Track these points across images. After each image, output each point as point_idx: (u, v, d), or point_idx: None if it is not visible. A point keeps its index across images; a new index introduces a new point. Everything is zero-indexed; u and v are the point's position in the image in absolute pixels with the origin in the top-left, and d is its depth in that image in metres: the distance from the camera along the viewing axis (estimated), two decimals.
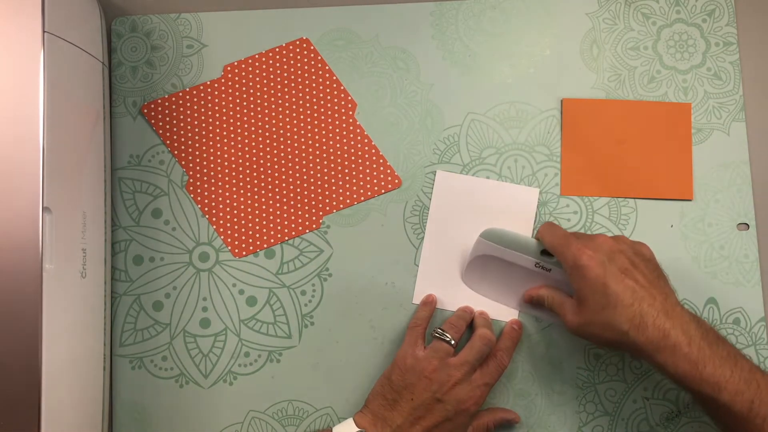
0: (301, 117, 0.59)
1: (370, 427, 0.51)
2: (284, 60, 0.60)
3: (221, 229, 0.58)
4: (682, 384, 0.45)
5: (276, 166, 0.59)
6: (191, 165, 0.59)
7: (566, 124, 0.59)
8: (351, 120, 0.59)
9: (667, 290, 0.48)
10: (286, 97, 0.60)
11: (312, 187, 0.59)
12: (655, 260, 0.50)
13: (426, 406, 0.50)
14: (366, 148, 0.59)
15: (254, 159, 0.59)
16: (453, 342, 0.53)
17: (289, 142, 0.59)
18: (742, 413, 0.43)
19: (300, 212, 0.59)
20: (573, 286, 0.49)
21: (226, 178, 0.59)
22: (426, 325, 0.55)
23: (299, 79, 0.60)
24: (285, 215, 0.59)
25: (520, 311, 0.57)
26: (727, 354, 0.45)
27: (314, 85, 0.60)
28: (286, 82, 0.60)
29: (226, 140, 0.59)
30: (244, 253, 0.58)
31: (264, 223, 0.58)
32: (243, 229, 0.58)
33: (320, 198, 0.59)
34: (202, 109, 0.60)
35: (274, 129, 0.59)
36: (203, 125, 0.59)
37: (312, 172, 0.59)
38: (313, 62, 0.60)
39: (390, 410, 0.51)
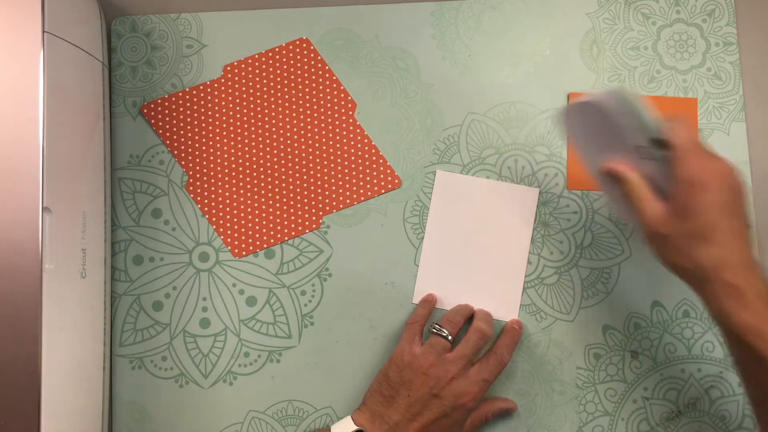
0: (301, 117, 0.59)
1: (368, 424, 0.51)
2: (284, 60, 0.60)
3: (221, 229, 0.58)
4: (741, 338, 0.43)
5: (276, 166, 0.59)
6: (191, 165, 0.59)
7: None
8: (351, 120, 0.59)
9: (749, 244, 0.45)
10: (286, 97, 0.60)
11: (312, 187, 0.59)
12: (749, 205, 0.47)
13: (423, 402, 0.50)
14: (366, 148, 0.59)
15: (254, 159, 0.59)
16: (450, 337, 0.52)
17: (289, 142, 0.59)
18: None
19: (300, 212, 0.59)
20: (677, 195, 0.45)
21: (226, 178, 0.59)
22: (424, 322, 0.55)
23: (299, 79, 0.60)
24: (285, 215, 0.59)
25: (596, 178, 0.51)
26: None
27: (314, 85, 0.60)
28: (286, 82, 0.60)
29: (226, 140, 0.59)
30: (244, 253, 0.58)
31: (264, 223, 0.58)
32: (243, 229, 0.58)
33: (320, 198, 0.59)
34: (202, 109, 0.60)
35: (274, 129, 0.59)
36: (203, 125, 0.59)
37: (312, 172, 0.59)
38: (313, 62, 0.60)
39: (387, 407, 0.51)
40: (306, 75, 0.60)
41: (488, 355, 0.53)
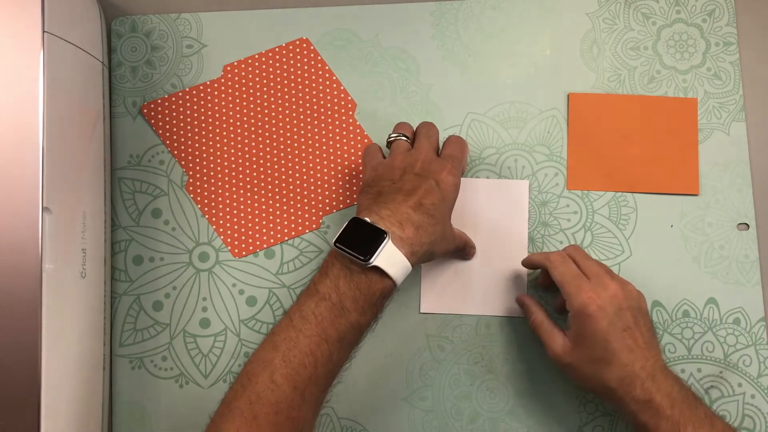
0: (301, 117, 0.59)
1: (366, 213, 0.47)
2: (284, 60, 0.60)
3: (221, 229, 0.58)
4: None
5: (276, 166, 0.59)
6: (191, 165, 0.59)
7: (572, 118, 0.59)
8: (351, 120, 0.59)
9: (657, 350, 0.49)
10: (286, 97, 0.60)
11: (312, 187, 0.59)
12: (649, 315, 0.50)
13: (409, 182, 0.48)
14: None
15: (254, 159, 0.59)
16: (408, 138, 0.53)
17: (289, 142, 0.59)
18: None
19: (300, 212, 0.59)
20: (571, 327, 0.48)
21: (226, 178, 0.59)
22: (380, 148, 0.55)
23: (299, 79, 0.60)
24: (285, 215, 0.59)
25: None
26: (704, 415, 0.46)
27: (314, 85, 0.60)
28: (286, 82, 0.60)
29: (226, 140, 0.59)
30: (244, 253, 0.58)
31: (264, 223, 0.58)
32: (243, 229, 0.58)
33: (320, 198, 0.59)
34: (202, 109, 0.60)
35: (274, 129, 0.59)
36: (203, 125, 0.59)
37: (312, 172, 0.59)
38: (313, 62, 0.60)
39: (378, 198, 0.48)
40: (306, 75, 0.60)
41: (447, 138, 0.53)
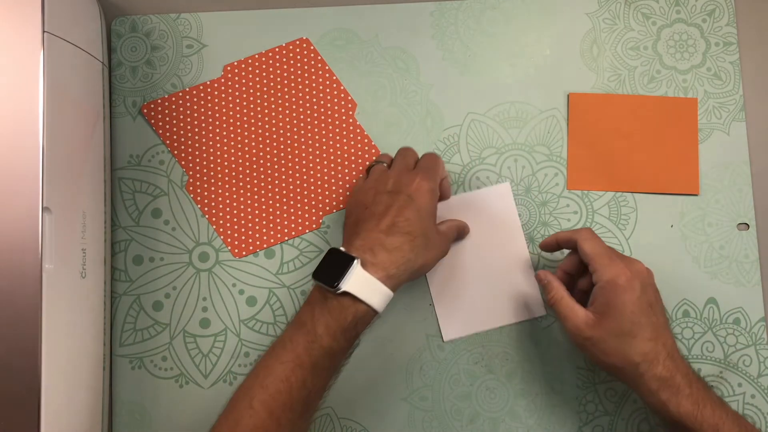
0: (301, 117, 0.59)
1: (343, 244, 0.49)
2: (284, 60, 0.60)
3: (221, 229, 0.58)
4: (681, 424, 0.46)
5: (276, 166, 0.59)
6: (191, 165, 0.59)
7: (572, 118, 0.59)
8: (351, 120, 0.59)
9: (671, 331, 0.49)
10: (286, 97, 0.60)
11: (312, 187, 0.59)
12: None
13: (381, 203, 0.50)
14: (366, 148, 0.59)
15: (254, 159, 0.59)
16: (385, 164, 0.54)
17: (289, 142, 0.59)
18: None
19: (300, 212, 0.59)
20: (598, 300, 0.48)
21: (226, 178, 0.59)
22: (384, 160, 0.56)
23: (299, 79, 0.60)
24: (285, 215, 0.59)
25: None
26: (718, 399, 0.47)
27: (314, 85, 0.60)
28: (286, 82, 0.60)
29: (226, 140, 0.59)
30: (244, 253, 0.58)
31: (264, 223, 0.58)
32: (243, 229, 0.58)
33: (320, 198, 0.59)
34: (202, 109, 0.60)
35: (274, 129, 0.59)
36: (203, 125, 0.59)
37: (312, 172, 0.59)
38: (313, 62, 0.60)
39: (356, 228, 0.50)
40: (306, 75, 0.60)
41: (422, 156, 0.54)
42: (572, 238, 0.51)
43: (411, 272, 0.49)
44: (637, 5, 0.60)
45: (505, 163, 0.59)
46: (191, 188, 0.59)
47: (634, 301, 0.47)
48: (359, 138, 0.59)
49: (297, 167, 0.59)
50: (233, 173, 0.59)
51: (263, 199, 0.59)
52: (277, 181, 0.59)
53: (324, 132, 0.59)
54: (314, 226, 0.58)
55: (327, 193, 0.59)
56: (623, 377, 0.48)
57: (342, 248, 0.48)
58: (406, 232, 0.48)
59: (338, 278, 0.46)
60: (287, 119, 0.59)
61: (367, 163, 0.56)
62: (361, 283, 0.46)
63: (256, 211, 0.59)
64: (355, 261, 0.46)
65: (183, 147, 0.59)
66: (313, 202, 0.59)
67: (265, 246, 0.58)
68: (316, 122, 0.59)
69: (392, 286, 0.47)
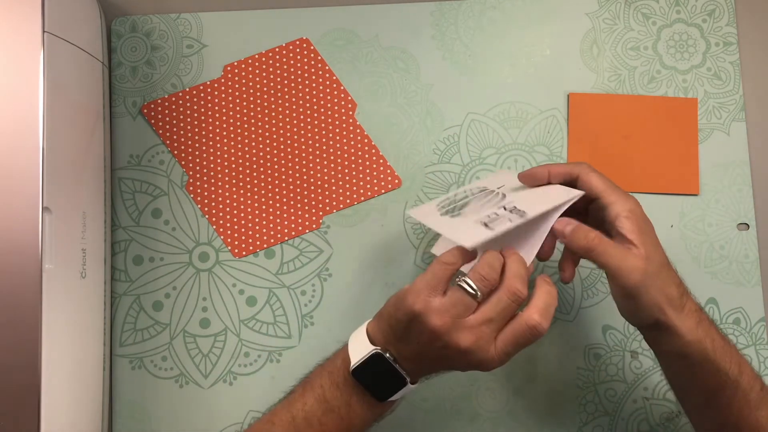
0: (301, 117, 0.59)
1: (382, 345, 0.45)
2: (284, 60, 0.60)
3: (221, 229, 0.58)
4: (713, 364, 0.43)
5: (276, 166, 0.59)
6: (191, 165, 0.59)
7: (573, 118, 0.59)
8: (351, 120, 0.59)
9: None
10: (286, 97, 0.60)
11: (312, 187, 0.59)
12: None
13: (432, 356, 0.44)
14: (366, 148, 0.59)
15: (254, 159, 0.59)
16: (479, 297, 0.42)
17: (289, 142, 0.59)
18: (755, 400, 0.43)
19: (300, 212, 0.59)
20: (628, 232, 0.43)
21: (226, 178, 0.59)
22: (458, 268, 0.44)
23: (299, 79, 0.60)
24: (285, 215, 0.59)
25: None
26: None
27: (314, 85, 0.60)
28: (286, 82, 0.60)
29: (226, 140, 0.59)
30: (244, 253, 0.58)
31: (264, 223, 0.58)
32: (243, 229, 0.58)
33: (320, 198, 0.59)
34: (202, 109, 0.60)
35: (274, 129, 0.59)
36: (203, 125, 0.59)
37: (312, 172, 0.59)
38: (313, 62, 0.60)
39: (397, 341, 0.44)
40: (306, 75, 0.60)
41: (518, 319, 0.43)
42: (571, 172, 0.46)
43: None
44: (637, 5, 0.60)
45: (505, 163, 0.59)
46: (191, 188, 0.59)
47: (655, 232, 0.44)
48: (359, 138, 0.59)
49: (297, 167, 0.59)
50: (233, 173, 0.59)
51: (263, 199, 0.59)
52: (277, 181, 0.59)
53: (324, 132, 0.59)
54: (314, 226, 0.58)
55: (327, 193, 0.59)
56: (669, 316, 0.42)
57: (388, 354, 0.44)
58: (448, 366, 0.44)
59: (389, 394, 0.44)
60: (287, 119, 0.59)
61: (460, 280, 0.43)
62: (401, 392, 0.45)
63: (256, 211, 0.59)
64: (408, 385, 0.44)
65: (183, 147, 0.59)
66: (313, 202, 0.59)
67: (265, 246, 0.58)
68: (316, 122, 0.59)
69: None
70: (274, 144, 0.59)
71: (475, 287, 0.42)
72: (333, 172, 0.59)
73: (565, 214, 0.45)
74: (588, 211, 0.47)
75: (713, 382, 0.44)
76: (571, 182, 0.47)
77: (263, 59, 0.60)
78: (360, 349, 0.45)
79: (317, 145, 0.59)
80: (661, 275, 0.42)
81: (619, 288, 0.43)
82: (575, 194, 0.45)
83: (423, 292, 0.42)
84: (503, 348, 0.42)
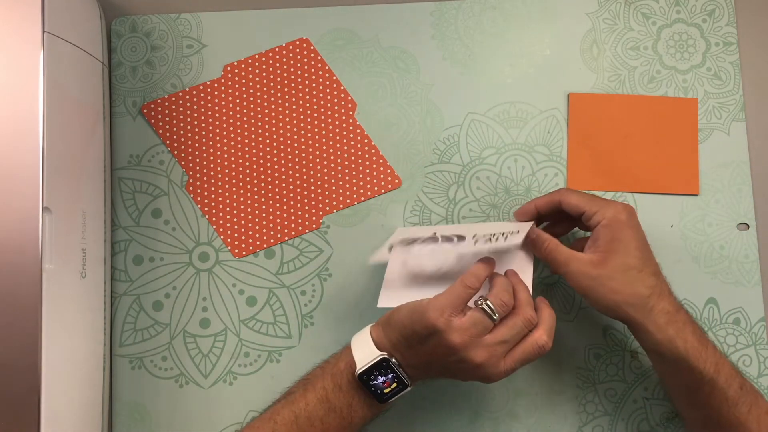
0: (301, 117, 0.59)
1: (388, 350, 0.48)
2: (284, 60, 0.60)
3: (221, 229, 0.58)
4: (685, 362, 0.46)
5: (276, 166, 0.59)
6: (191, 165, 0.59)
7: (572, 118, 0.59)
8: (351, 120, 0.59)
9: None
10: (286, 97, 0.60)
11: (312, 187, 0.59)
12: None
13: (443, 365, 0.47)
14: (366, 148, 0.59)
15: (254, 159, 0.59)
16: (497, 320, 0.46)
17: (289, 142, 0.59)
18: (733, 397, 0.46)
19: (300, 212, 0.59)
20: (601, 239, 0.47)
21: (226, 178, 0.59)
22: (480, 286, 0.48)
23: (299, 79, 0.60)
24: (285, 215, 0.59)
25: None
26: (711, 341, 0.49)
27: (314, 85, 0.60)
28: (286, 82, 0.60)
29: (226, 140, 0.59)
30: (244, 253, 0.58)
31: (264, 223, 0.58)
32: (243, 229, 0.58)
33: (320, 198, 0.59)
34: (202, 109, 0.60)
35: (274, 129, 0.59)
36: (203, 125, 0.59)
37: (312, 172, 0.59)
38: (313, 62, 0.60)
39: (407, 348, 0.47)
40: (306, 75, 0.60)
41: (529, 339, 0.47)
42: (553, 199, 0.51)
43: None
44: (637, 5, 0.60)
45: (505, 163, 0.59)
46: (191, 188, 0.59)
47: (637, 236, 0.47)
48: (359, 138, 0.59)
49: (297, 167, 0.59)
50: (233, 173, 0.59)
51: (263, 199, 0.59)
52: (277, 181, 0.59)
53: (324, 132, 0.59)
54: (314, 226, 0.58)
55: (327, 193, 0.59)
56: (631, 315, 0.47)
57: (394, 359, 0.47)
58: (452, 376, 0.48)
59: (390, 397, 0.47)
60: (287, 119, 0.59)
61: (481, 303, 0.46)
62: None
63: (256, 211, 0.59)
64: (409, 388, 0.47)
65: (183, 147, 0.59)
66: (313, 202, 0.59)
67: (265, 246, 0.58)
68: (316, 122, 0.59)
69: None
70: (274, 144, 0.59)
71: (495, 311, 0.46)
72: (333, 172, 0.59)
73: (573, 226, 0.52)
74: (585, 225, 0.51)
75: (690, 380, 0.47)
76: (557, 207, 0.51)
77: (263, 59, 0.60)
78: (366, 353, 0.48)
79: (317, 145, 0.59)
80: (618, 278, 0.47)
81: (573, 287, 0.49)
82: (526, 226, 0.51)
83: (446, 311, 0.46)
84: (512, 364, 0.47)
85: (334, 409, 0.48)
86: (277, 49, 0.60)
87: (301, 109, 0.59)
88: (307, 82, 0.60)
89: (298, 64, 0.60)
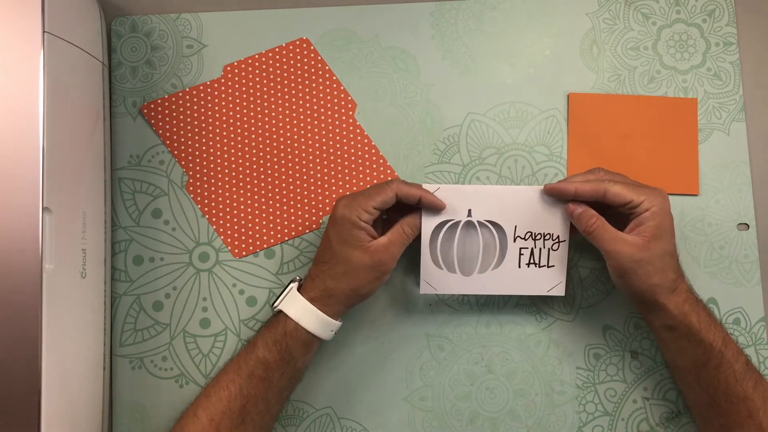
0: (301, 117, 0.59)
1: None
2: (284, 60, 0.60)
3: (221, 229, 0.58)
4: (697, 336, 0.49)
5: (276, 166, 0.59)
6: (191, 165, 0.59)
7: (572, 118, 0.59)
8: (351, 120, 0.59)
9: None
10: (286, 97, 0.60)
11: (312, 187, 0.59)
12: None
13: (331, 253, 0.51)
14: (366, 148, 0.59)
15: (254, 159, 0.59)
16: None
17: (289, 142, 0.59)
18: (740, 372, 0.48)
19: (300, 212, 0.59)
20: (648, 224, 0.49)
21: (226, 178, 0.59)
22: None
23: (299, 79, 0.60)
24: (285, 215, 0.59)
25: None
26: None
27: (314, 85, 0.60)
28: (286, 82, 0.60)
29: (226, 140, 0.59)
30: (244, 253, 0.58)
31: (264, 223, 0.58)
32: (243, 229, 0.58)
33: (320, 198, 0.59)
34: (202, 109, 0.60)
35: (274, 129, 0.59)
36: (203, 125, 0.59)
37: (312, 172, 0.59)
38: (313, 62, 0.60)
39: (314, 267, 0.53)
40: (306, 75, 0.60)
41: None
42: (597, 191, 0.50)
43: (344, 298, 0.51)
44: (637, 5, 0.60)
45: (505, 163, 0.59)
46: (191, 188, 0.59)
47: (673, 223, 0.50)
48: (359, 138, 0.59)
49: (297, 167, 0.59)
50: (233, 173, 0.59)
51: (263, 199, 0.59)
52: (277, 181, 0.59)
53: (324, 132, 0.59)
54: (314, 226, 0.58)
55: (327, 193, 0.59)
56: (657, 297, 0.49)
57: (298, 278, 0.53)
58: (323, 261, 0.51)
59: (277, 298, 0.52)
60: (287, 119, 0.59)
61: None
62: (290, 302, 0.51)
63: (256, 211, 0.59)
64: (292, 284, 0.52)
65: (183, 147, 0.59)
66: (313, 202, 0.59)
67: (265, 246, 0.58)
68: (316, 122, 0.59)
69: (324, 310, 0.51)
70: (274, 144, 0.59)
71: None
72: (333, 172, 0.59)
73: (597, 209, 0.51)
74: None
75: (699, 353, 0.49)
76: (600, 198, 0.51)
77: (263, 59, 0.60)
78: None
79: (317, 145, 0.59)
80: (656, 263, 0.49)
81: (611, 268, 0.51)
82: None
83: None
84: (346, 197, 0.51)
85: (249, 341, 0.52)
86: (277, 50, 0.60)
87: (301, 109, 0.59)
88: (307, 82, 0.60)
89: (298, 64, 0.60)
